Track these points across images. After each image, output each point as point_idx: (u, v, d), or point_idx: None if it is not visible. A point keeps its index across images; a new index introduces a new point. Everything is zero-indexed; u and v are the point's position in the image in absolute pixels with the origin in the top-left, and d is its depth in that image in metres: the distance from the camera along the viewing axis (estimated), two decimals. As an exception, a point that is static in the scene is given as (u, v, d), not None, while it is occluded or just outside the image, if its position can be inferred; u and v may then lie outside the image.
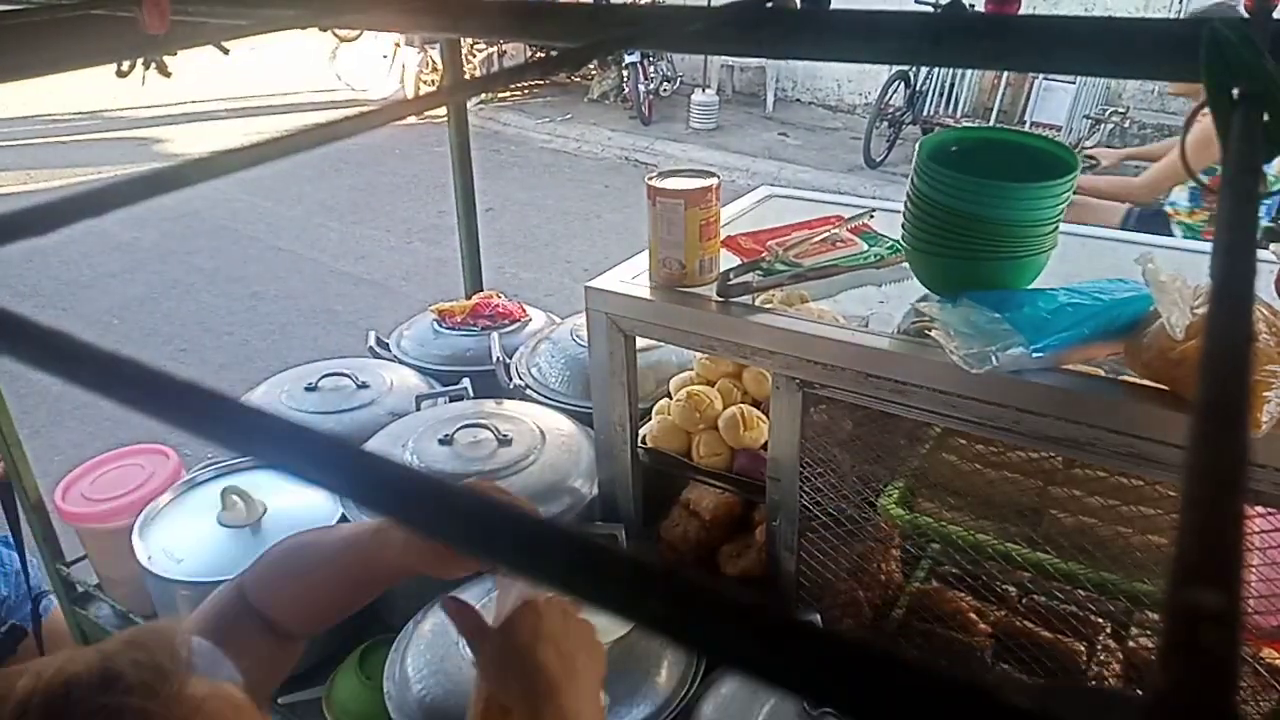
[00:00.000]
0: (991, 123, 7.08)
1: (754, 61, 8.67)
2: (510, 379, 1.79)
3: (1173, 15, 6.23)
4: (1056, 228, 1.15)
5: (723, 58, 8.51)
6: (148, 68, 0.81)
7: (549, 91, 9.50)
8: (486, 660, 0.84)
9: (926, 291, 1.23)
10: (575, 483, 1.48)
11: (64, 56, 0.77)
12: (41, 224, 0.25)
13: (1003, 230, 1.11)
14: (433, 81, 8.74)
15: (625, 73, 8.45)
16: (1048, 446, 1.08)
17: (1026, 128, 6.63)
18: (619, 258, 1.40)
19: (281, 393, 1.83)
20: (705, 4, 0.64)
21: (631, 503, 1.48)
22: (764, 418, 1.42)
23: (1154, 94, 6.85)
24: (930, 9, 0.66)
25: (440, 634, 1.24)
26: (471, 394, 1.82)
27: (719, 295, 1.25)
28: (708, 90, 8.44)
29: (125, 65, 0.80)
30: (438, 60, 8.43)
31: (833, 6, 0.62)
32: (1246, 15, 0.46)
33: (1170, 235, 3.15)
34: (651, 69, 8.35)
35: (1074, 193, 1.13)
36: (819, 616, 1.31)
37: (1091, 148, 4.04)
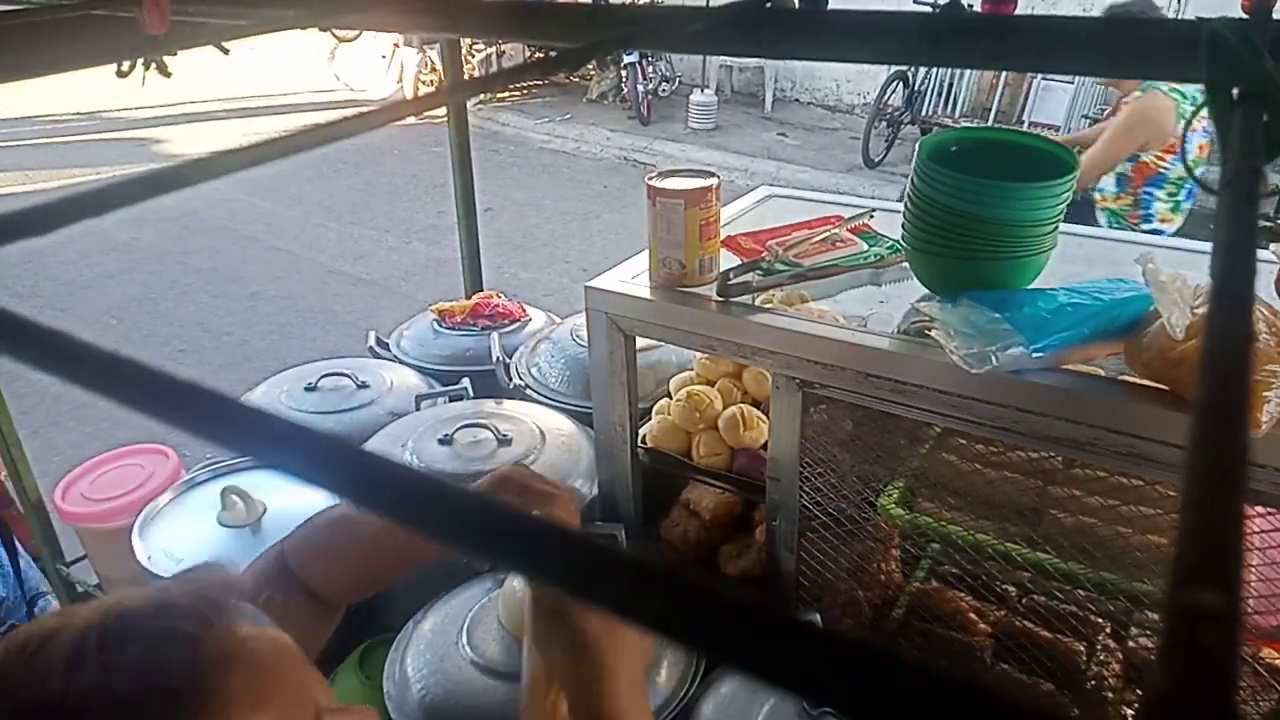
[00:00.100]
0: (990, 123, 7.08)
1: (752, 62, 8.67)
2: (510, 379, 1.79)
3: (1170, 15, 6.24)
4: (1056, 228, 1.15)
5: (721, 58, 8.51)
6: (148, 68, 0.81)
7: (548, 92, 9.50)
8: (532, 624, 0.84)
9: (926, 291, 1.23)
10: (575, 483, 1.48)
11: (64, 56, 0.77)
12: (40, 224, 0.25)
13: (1003, 230, 1.11)
14: (431, 82, 8.74)
15: (624, 73, 8.45)
16: (1048, 446, 1.08)
17: (1025, 128, 6.62)
18: (618, 258, 1.40)
19: (281, 393, 1.83)
20: (704, 4, 0.64)
21: (631, 503, 1.48)
22: (764, 418, 1.42)
23: (1153, 94, 6.85)
24: (929, 9, 0.66)
25: (440, 634, 1.24)
26: (471, 394, 1.82)
27: (719, 295, 1.25)
28: (706, 90, 8.45)
29: (125, 65, 0.80)
30: (436, 60, 8.43)
31: (831, 6, 0.62)
32: (1243, 14, 0.46)
33: (1095, 224, 3.18)
34: (650, 69, 8.35)
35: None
36: (819, 616, 1.31)
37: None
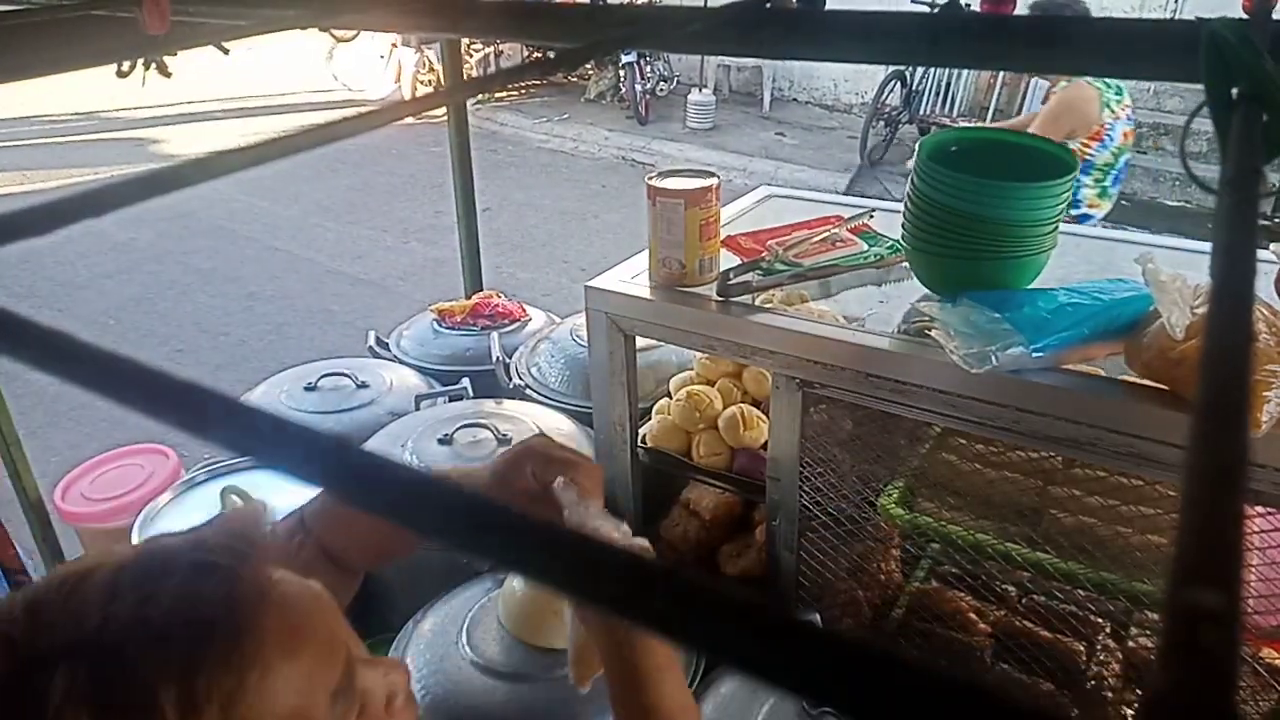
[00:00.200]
0: (988, 121, 7.07)
1: (750, 61, 8.67)
2: (510, 379, 1.79)
3: (1169, 15, 6.24)
4: (1056, 228, 1.15)
5: (719, 57, 8.51)
6: (148, 68, 0.81)
7: (546, 91, 9.49)
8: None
9: (926, 291, 1.24)
10: (574, 483, 1.48)
11: (64, 56, 0.77)
12: (40, 225, 0.25)
13: (1003, 230, 1.11)
14: (429, 82, 8.73)
15: (622, 72, 8.44)
16: (1048, 446, 1.08)
17: (1024, 127, 6.62)
18: (616, 257, 1.40)
19: (281, 392, 1.83)
20: (702, 4, 0.64)
21: (631, 502, 1.47)
22: (764, 418, 1.42)
23: (1150, 93, 6.84)
24: (927, 9, 0.66)
25: (440, 634, 1.24)
26: (471, 394, 1.82)
27: (719, 295, 1.25)
28: (704, 90, 8.44)
29: (125, 65, 0.80)
30: (434, 60, 8.42)
31: (831, 7, 0.62)
32: (1245, 15, 0.46)
33: None
34: (648, 69, 8.35)
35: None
36: (819, 616, 1.31)
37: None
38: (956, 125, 6.76)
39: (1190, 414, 0.19)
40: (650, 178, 1.30)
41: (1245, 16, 0.42)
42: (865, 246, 1.41)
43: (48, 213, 0.25)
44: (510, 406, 1.67)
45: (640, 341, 1.38)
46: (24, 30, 0.77)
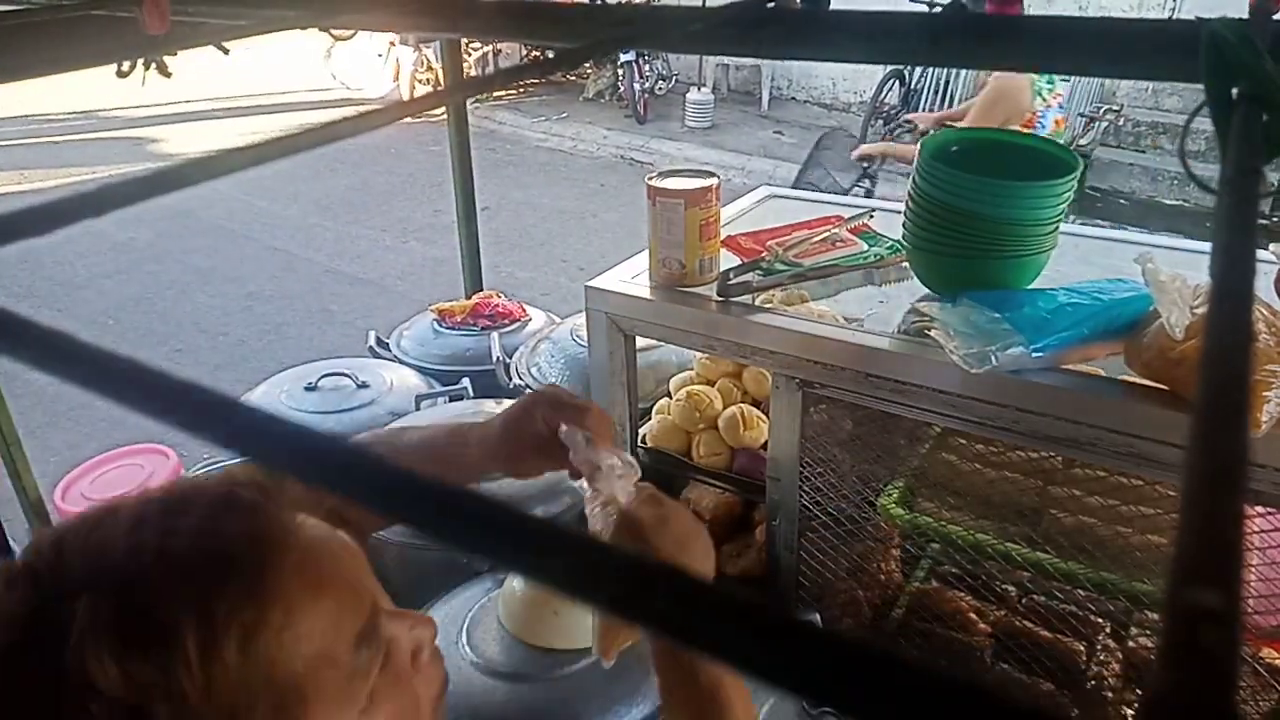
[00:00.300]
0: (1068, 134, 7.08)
1: (749, 60, 8.66)
2: (510, 379, 1.79)
3: (1167, 15, 6.25)
4: (1057, 228, 1.15)
5: (718, 56, 8.50)
6: (148, 68, 0.80)
7: (544, 90, 9.49)
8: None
9: (927, 291, 1.24)
10: (575, 482, 1.48)
11: (64, 56, 0.77)
12: (39, 225, 0.25)
13: (1004, 229, 1.11)
14: (428, 80, 8.73)
15: (620, 71, 8.44)
16: (1048, 446, 1.08)
17: (1023, 126, 6.62)
18: (615, 256, 1.40)
19: (281, 392, 1.83)
20: (701, 3, 0.64)
21: (630, 503, 1.47)
22: (764, 418, 1.42)
23: (1148, 92, 6.85)
24: (926, 8, 0.66)
25: (440, 634, 1.23)
26: (471, 394, 1.82)
27: (719, 295, 1.25)
28: (703, 89, 8.44)
29: (125, 65, 0.80)
30: (432, 59, 8.41)
31: (831, 6, 0.62)
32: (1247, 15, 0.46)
33: None
34: (647, 67, 8.34)
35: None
36: (819, 616, 1.31)
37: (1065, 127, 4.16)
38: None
39: (1190, 414, 0.19)
40: (650, 178, 1.30)
41: (1246, 16, 0.42)
42: (865, 246, 1.41)
43: (47, 213, 0.25)
44: (510, 406, 1.67)
45: (640, 341, 1.38)
46: (24, 30, 0.76)
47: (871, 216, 1.50)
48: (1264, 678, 1.12)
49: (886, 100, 7.26)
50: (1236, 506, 0.17)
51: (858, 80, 8.51)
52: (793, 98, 9.09)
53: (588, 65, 8.54)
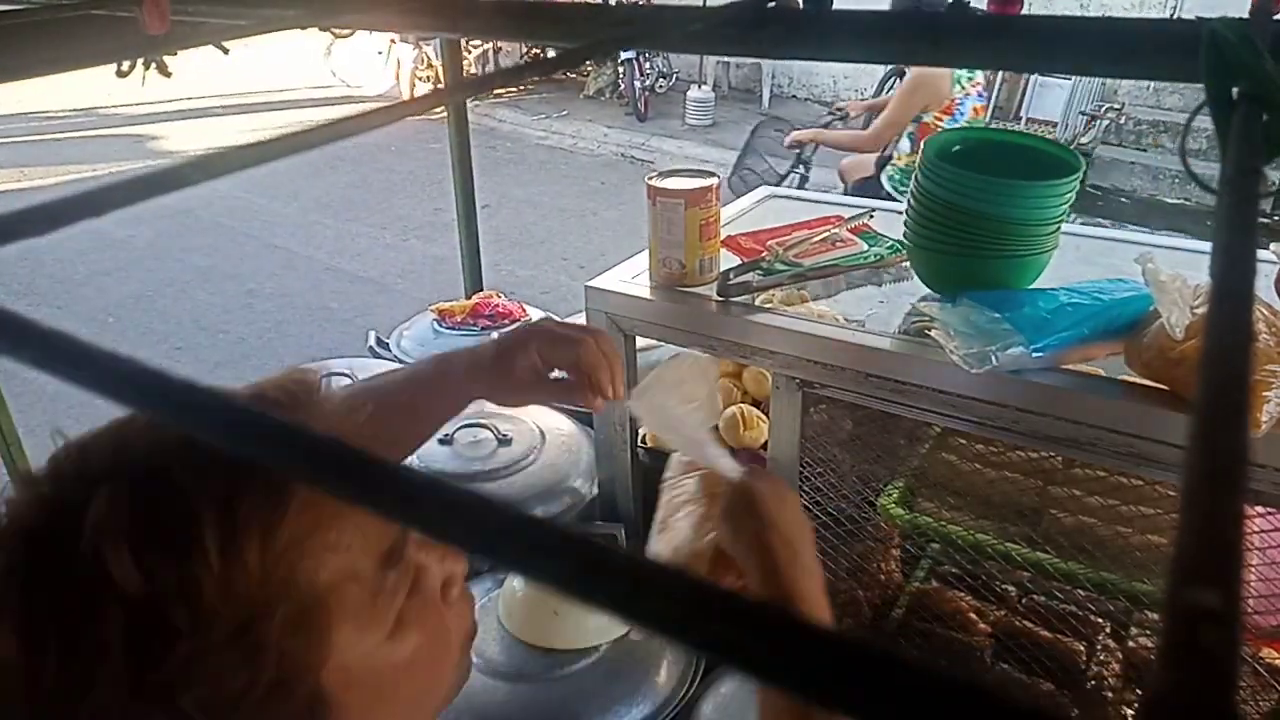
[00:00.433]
0: (987, 119, 7.06)
1: (750, 58, 8.66)
2: (509, 378, 1.79)
3: (1168, 14, 6.24)
4: (1059, 228, 1.15)
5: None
6: (148, 68, 0.80)
7: (544, 88, 9.48)
8: (730, 512, 0.81)
9: (927, 291, 1.24)
10: (575, 483, 1.48)
11: (64, 56, 0.77)
12: (40, 225, 0.25)
13: (1006, 228, 1.11)
14: (428, 78, 8.72)
15: (621, 69, 8.43)
16: (1048, 446, 1.08)
17: (1022, 124, 6.61)
18: (615, 255, 1.40)
19: (280, 392, 1.83)
20: (701, 3, 0.64)
21: (631, 503, 1.48)
22: (764, 418, 1.42)
23: (1150, 90, 6.85)
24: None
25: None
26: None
27: (719, 295, 1.25)
28: (704, 87, 8.43)
29: (125, 65, 0.80)
30: (432, 56, 8.40)
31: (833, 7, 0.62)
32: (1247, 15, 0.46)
33: (883, 198, 3.44)
34: (647, 65, 8.34)
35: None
36: (818, 616, 1.31)
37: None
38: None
39: (1190, 414, 0.19)
40: (650, 177, 1.30)
41: (1246, 16, 0.42)
42: (865, 246, 1.41)
43: (47, 213, 0.25)
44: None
45: (640, 341, 1.38)
46: (24, 30, 0.76)
47: (871, 216, 1.50)
48: (1264, 678, 1.12)
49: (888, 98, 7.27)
50: (1236, 506, 0.17)
51: (859, 78, 8.50)
52: (793, 96, 9.09)
53: (588, 63, 8.53)
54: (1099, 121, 5.38)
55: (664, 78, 8.80)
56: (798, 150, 4.37)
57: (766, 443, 1.30)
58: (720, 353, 1.29)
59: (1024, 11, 0.62)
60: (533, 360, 0.86)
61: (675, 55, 8.98)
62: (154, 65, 0.80)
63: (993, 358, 0.99)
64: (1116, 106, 5.96)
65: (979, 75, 3.42)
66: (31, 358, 0.21)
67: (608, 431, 1.43)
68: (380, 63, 9.05)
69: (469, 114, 2.18)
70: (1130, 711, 1.21)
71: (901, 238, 1.27)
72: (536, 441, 1.53)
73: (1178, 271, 0.98)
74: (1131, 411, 0.97)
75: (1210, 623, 0.15)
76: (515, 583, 1.24)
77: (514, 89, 9.33)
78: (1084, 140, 5.09)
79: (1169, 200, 5.78)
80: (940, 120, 3.43)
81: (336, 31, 1.08)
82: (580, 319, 1.65)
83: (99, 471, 0.50)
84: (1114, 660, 1.25)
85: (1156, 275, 0.96)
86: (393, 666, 0.56)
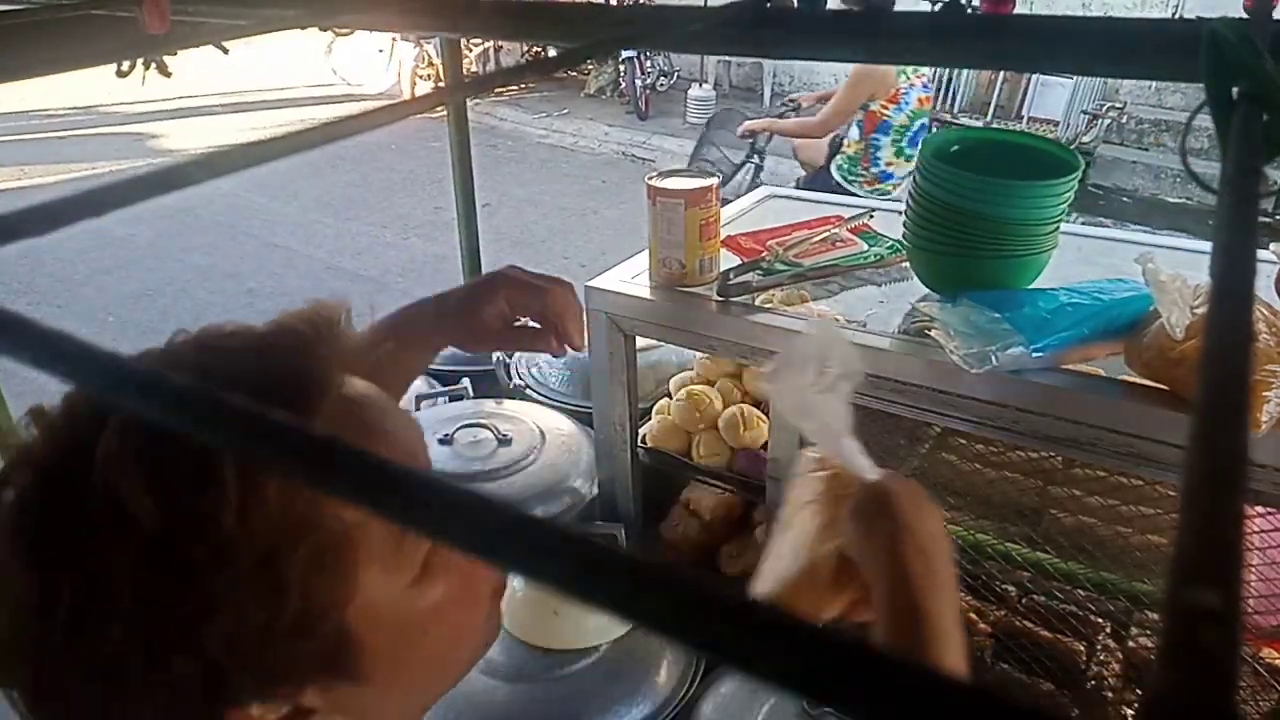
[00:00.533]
0: (989, 118, 7.06)
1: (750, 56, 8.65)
2: (510, 379, 1.79)
3: (1169, 14, 6.24)
4: (1058, 227, 1.15)
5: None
6: (148, 68, 0.80)
7: (545, 86, 9.48)
8: (860, 515, 0.72)
9: (927, 291, 1.23)
10: (575, 483, 1.48)
11: (64, 56, 0.77)
12: (40, 225, 0.25)
13: (1005, 229, 1.11)
14: (429, 76, 8.72)
15: (622, 67, 8.43)
16: (1048, 446, 1.08)
17: (1024, 123, 6.62)
18: (616, 253, 1.40)
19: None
20: (702, 3, 0.64)
21: (631, 503, 1.47)
22: (764, 417, 1.42)
23: (1151, 89, 6.85)
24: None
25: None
26: (471, 394, 1.82)
27: (719, 295, 1.25)
28: (705, 85, 8.43)
29: (125, 65, 0.80)
30: (433, 54, 8.40)
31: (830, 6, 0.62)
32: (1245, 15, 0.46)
33: (835, 190, 3.57)
34: (648, 63, 8.33)
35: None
36: (818, 615, 1.31)
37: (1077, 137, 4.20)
38: (958, 121, 6.76)
39: (1190, 414, 0.19)
40: (650, 177, 1.30)
41: (1245, 16, 0.42)
42: (865, 246, 1.41)
43: (48, 213, 0.25)
44: (510, 406, 1.67)
45: (640, 341, 1.38)
46: (24, 30, 0.76)
47: (871, 216, 1.50)
48: (1264, 678, 1.12)
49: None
50: (1236, 506, 0.17)
51: (859, 78, 8.49)
52: (795, 94, 9.09)
53: (589, 61, 8.53)
54: (1101, 120, 5.38)
55: (665, 76, 8.80)
56: (751, 140, 4.44)
57: (766, 443, 1.30)
58: (720, 353, 1.29)
59: (1026, 11, 0.62)
60: (500, 307, 0.86)
61: (676, 54, 8.98)
62: (154, 65, 0.80)
63: (993, 358, 0.99)
64: (1118, 105, 5.96)
65: (925, 67, 3.55)
66: (31, 357, 0.21)
67: (608, 431, 1.43)
68: (381, 61, 9.05)
69: (470, 112, 2.18)
70: (1130, 711, 1.21)
71: (901, 238, 1.27)
72: (536, 441, 1.53)
73: (1178, 271, 0.98)
74: (1131, 411, 0.97)
75: (1210, 623, 0.15)
76: (515, 583, 1.23)
77: (515, 87, 9.33)
78: (1086, 139, 5.09)
79: (1171, 199, 5.78)
80: (886, 109, 3.56)
81: (337, 30, 1.08)
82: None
83: (112, 404, 0.48)
84: (1114, 660, 1.25)
85: (1156, 275, 0.96)
86: (420, 613, 0.54)
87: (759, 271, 1.31)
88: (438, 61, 8.12)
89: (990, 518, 1.26)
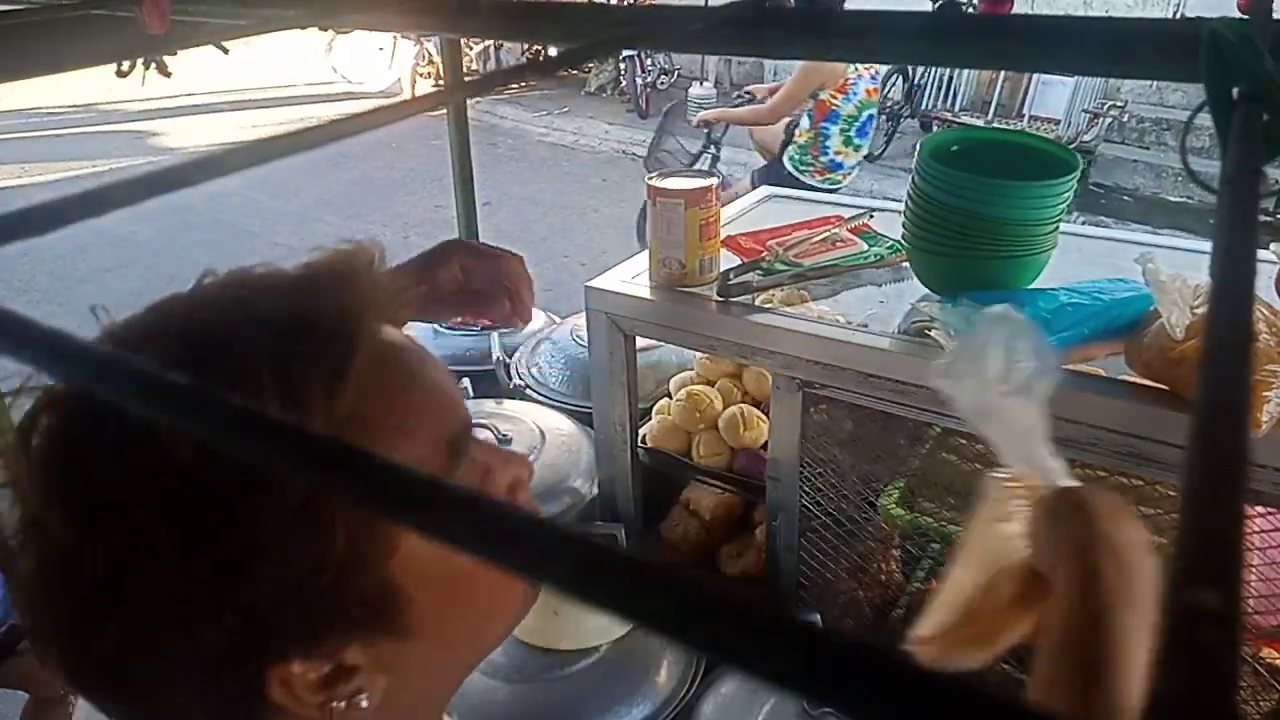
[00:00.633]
0: (990, 116, 7.06)
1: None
2: (510, 379, 1.79)
3: (1170, 14, 6.24)
4: (1057, 227, 1.15)
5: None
6: (148, 68, 0.80)
7: (545, 84, 9.47)
8: (1051, 524, 0.66)
9: (927, 291, 1.23)
10: (575, 483, 1.48)
11: (64, 56, 0.77)
12: (40, 225, 0.25)
13: (1004, 229, 1.11)
14: (429, 74, 8.71)
15: (622, 66, 8.43)
16: (1047, 446, 1.08)
17: (1025, 122, 6.62)
18: (616, 252, 1.40)
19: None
20: (703, 3, 0.64)
21: (631, 503, 1.47)
22: (764, 418, 1.42)
23: (1152, 88, 6.85)
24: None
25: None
26: (471, 394, 1.82)
27: (719, 295, 1.25)
28: (705, 83, 8.43)
29: (125, 65, 0.80)
30: (434, 52, 8.40)
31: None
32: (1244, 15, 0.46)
33: (786, 180, 3.63)
34: (649, 62, 8.33)
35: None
36: (819, 616, 1.31)
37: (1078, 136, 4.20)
38: (959, 120, 6.76)
39: (1190, 414, 0.19)
40: (650, 177, 1.30)
41: (1245, 16, 0.42)
42: (865, 246, 1.41)
43: (48, 212, 0.25)
44: (510, 406, 1.67)
45: (640, 341, 1.38)
46: (24, 30, 0.76)
47: (871, 217, 1.50)
48: (1264, 678, 1.12)
49: (890, 96, 7.26)
50: (1236, 506, 0.17)
51: (860, 77, 8.49)
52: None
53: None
54: (1102, 119, 5.38)
55: (665, 74, 8.80)
56: (707, 130, 4.49)
57: (766, 443, 1.30)
58: (720, 353, 1.29)
59: (1027, 10, 0.62)
60: (454, 272, 0.88)
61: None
62: (154, 65, 0.80)
63: (993, 357, 0.99)
64: (1119, 104, 5.96)
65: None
66: (31, 357, 0.21)
67: (608, 431, 1.43)
68: (381, 59, 9.04)
69: (470, 110, 2.18)
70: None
71: (900, 238, 1.27)
72: (537, 442, 1.53)
73: (1178, 271, 0.98)
74: (1131, 411, 0.97)
75: (1210, 623, 0.15)
76: (515, 582, 1.24)
77: (515, 86, 9.33)
78: (1087, 138, 5.10)
79: (1171, 198, 5.78)
80: (835, 99, 3.63)
81: (337, 29, 1.08)
82: (581, 318, 1.65)
83: (142, 337, 0.47)
84: (1114, 660, 1.24)
85: (1156, 275, 0.96)
86: (465, 571, 0.52)
87: (759, 271, 1.31)
88: (438, 59, 8.12)
89: (990, 517, 1.26)
